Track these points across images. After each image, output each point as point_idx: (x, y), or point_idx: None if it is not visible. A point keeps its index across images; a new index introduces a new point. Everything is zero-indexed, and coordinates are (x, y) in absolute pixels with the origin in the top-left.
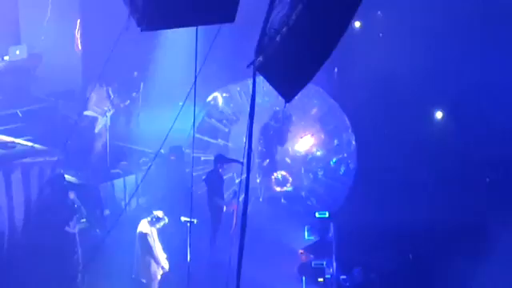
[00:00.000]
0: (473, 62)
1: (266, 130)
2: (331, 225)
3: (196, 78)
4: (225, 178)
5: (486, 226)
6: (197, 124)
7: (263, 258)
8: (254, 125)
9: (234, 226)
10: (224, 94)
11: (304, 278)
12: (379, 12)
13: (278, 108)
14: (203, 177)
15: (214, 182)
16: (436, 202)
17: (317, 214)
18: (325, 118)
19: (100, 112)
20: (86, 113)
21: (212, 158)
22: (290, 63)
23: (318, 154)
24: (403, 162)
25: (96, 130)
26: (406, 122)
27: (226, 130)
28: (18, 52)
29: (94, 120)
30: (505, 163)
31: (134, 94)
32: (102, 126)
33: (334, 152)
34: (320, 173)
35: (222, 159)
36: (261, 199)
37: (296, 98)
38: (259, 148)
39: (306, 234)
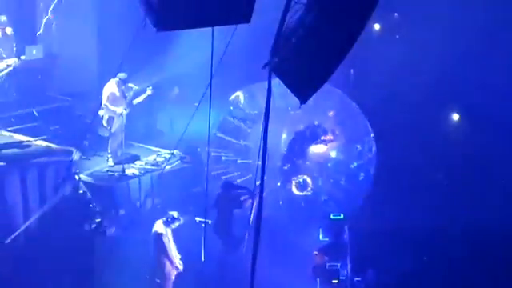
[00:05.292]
0: (490, 64)
1: (289, 134)
2: (346, 226)
3: (212, 77)
4: (241, 180)
5: (502, 229)
6: (218, 123)
7: (278, 259)
8: (278, 128)
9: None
10: (246, 94)
11: (318, 279)
12: (396, 14)
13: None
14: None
15: (224, 208)
16: (451, 204)
17: (331, 216)
18: (347, 122)
19: (116, 111)
20: (100, 112)
21: (232, 158)
22: (305, 64)
23: (339, 158)
24: (418, 165)
25: (112, 130)
26: (423, 124)
27: (249, 130)
28: (34, 52)
29: (110, 120)
30: None
31: (149, 93)
32: (119, 125)
33: (355, 157)
34: (340, 178)
35: (229, 187)
36: (280, 202)
37: (317, 100)
38: (281, 151)
39: (320, 235)
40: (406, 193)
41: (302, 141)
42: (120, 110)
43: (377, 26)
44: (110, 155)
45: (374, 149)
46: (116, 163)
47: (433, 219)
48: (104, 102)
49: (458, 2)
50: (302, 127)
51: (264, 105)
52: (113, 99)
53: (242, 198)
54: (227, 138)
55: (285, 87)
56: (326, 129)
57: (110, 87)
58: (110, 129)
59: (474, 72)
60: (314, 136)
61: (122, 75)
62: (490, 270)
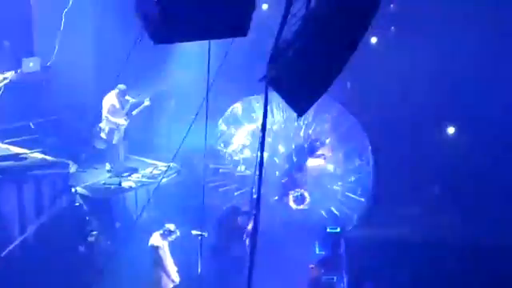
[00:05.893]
0: (486, 76)
1: (288, 148)
2: (342, 239)
3: (208, 90)
4: (239, 193)
5: (499, 242)
6: (216, 136)
7: (274, 273)
8: (277, 141)
9: (246, 237)
10: (243, 107)
11: None
12: (393, 27)
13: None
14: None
15: (227, 228)
16: (448, 217)
17: (328, 229)
18: (344, 136)
19: (117, 123)
20: (101, 125)
21: (231, 170)
22: (302, 78)
23: (337, 172)
24: (415, 177)
25: (114, 142)
26: (420, 137)
27: (247, 142)
28: (31, 64)
29: (110, 131)
30: None
31: (147, 104)
32: (120, 137)
33: (353, 171)
34: (337, 191)
35: (237, 212)
36: (278, 216)
37: (316, 114)
38: (280, 165)
39: (317, 248)
40: (403, 205)
41: (299, 154)
42: (121, 121)
43: (373, 40)
44: (109, 167)
45: (371, 162)
46: (116, 175)
47: (430, 231)
48: (104, 113)
49: (455, 14)
50: (299, 140)
51: (261, 117)
52: (113, 111)
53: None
54: (224, 150)
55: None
56: (323, 142)
57: (111, 99)
58: (111, 141)
59: (471, 85)
60: (311, 149)
61: (121, 86)
62: (487, 283)
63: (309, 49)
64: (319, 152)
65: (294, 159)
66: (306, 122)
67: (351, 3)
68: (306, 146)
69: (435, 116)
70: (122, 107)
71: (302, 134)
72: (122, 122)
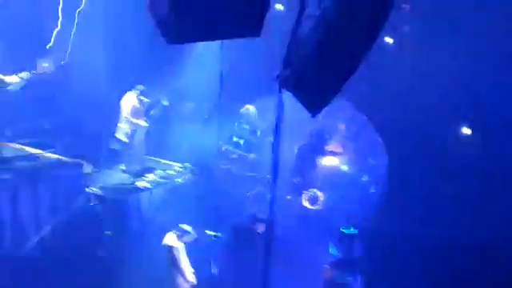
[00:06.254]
0: (502, 76)
1: (299, 147)
2: (357, 240)
3: (221, 90)
4: (251, 193)
5: None
6: (228, 137)
7: (288, 274)
8: (288, 141)
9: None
10: (256, 107)
11: None
12: (407, 27)
13: (311, 124)
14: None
15: (245, 235)
16: (464, 218)
17: (342, 230)
18: (357, 136)
19: (138, 124)
20: (120, 125)
21: (243, 172)
22: (315, 78)
23: (350, 171)
24: (430, 178)
25: (133, 142)
26: (435, 136)
27: (258, 143)
28: (45, 64)
29: (131, 132)
30: None
31: (166, 104)
32: (141, 138)
33: (366, 171)
34: (351, 191)
35: (255, 220)
36: (291, 216)
37: (328, 114)
38: (292, 165)
39: (331, 249)
40: (418, 206)
41: (312, 154)
42: (142, 122)
43: (388, 40)
44: (124, 168)
45: (385, 162)
46: (134, 175)
47: (446, 233)
48: (124, 114)
49: (470, 13)
50: (312, 140)
51: (273, 117)
52: (134, 112)
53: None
54: (237, 151)
55: (295, 100)
56: (336, 142)
57: (130, 100)
58: (131, 141)
59: (486, 85)
60: (324, 149)
61: (140, 87)
62: (504, 284)
63: (323, 49)
64: (332, 151)
65: (306, 159)
66: (315, 121)
67: (365, 3)
68: (318, 145)
69: (449, 116)
70: (143, 108)
71: (310, 132)
72: (143, 123)
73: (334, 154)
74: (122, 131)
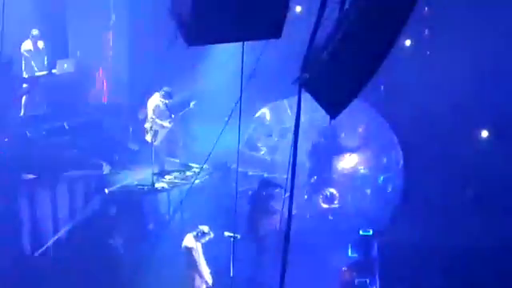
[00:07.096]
0: None
1: (315, 147)
2: (375, 242)
3: (241, 92)
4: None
5: None
6: (245, 139)
7: (306, 275)
8: (303, 141)
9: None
10: (272, 110)
11: None
12: (426, 30)
13: (326, 125)
14: (249, 192)
15: (257, 202)
16: (482, 221)
17: (361, 232)
18: (373, 136)
19: (163, 125)
20: (146, 125)
21: (259, 173)
22: (335, 80)
23: (366, 171)
24: (448, 181)
25: (156, 143)
26: (452, 139)
27: (274, 144)
28: (65, 66)
29: (155, 133)
30: None
31: (192, 106)
32: (164, 138)
33: (382, 170)
34: (367, 191)
35: (266, 184)
36: (308, 216)
37: (344, 114)
38: (307, 165)
39: (349, 251)
40: (435, 208)
41: (328, 154)
42: (166, 123)
43: (407, 42)
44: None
45: (401, 162)
46: (153, 176)
47: (463, 236)
48: (150, 115)
49: (489, 16)
50: (329, 140)
51: (290, 119)
52: (159, 112)
53: (275, 192)
54: (253, 153)
55: (312, 101)
56: (352, 142)
57: (155, 100)
58: (152, 142)
59: (506, 88)
60: (340, 149)
61: (166, 89)
62: None
63: (342, 51)
64: (349, 151)
65: (322, 159)
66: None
67: (385, 4)
68: (334, 145)
69: (468, 119)
70: (167, 109)
71: (330, 133)
72: (167, 124)
73: (351, 154)
74: (147, 131)
